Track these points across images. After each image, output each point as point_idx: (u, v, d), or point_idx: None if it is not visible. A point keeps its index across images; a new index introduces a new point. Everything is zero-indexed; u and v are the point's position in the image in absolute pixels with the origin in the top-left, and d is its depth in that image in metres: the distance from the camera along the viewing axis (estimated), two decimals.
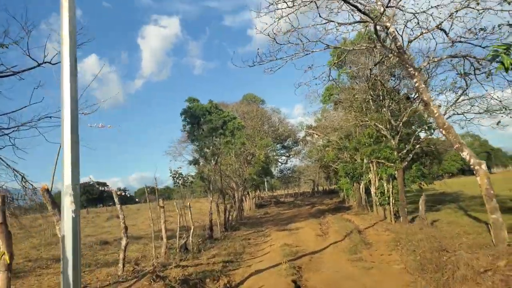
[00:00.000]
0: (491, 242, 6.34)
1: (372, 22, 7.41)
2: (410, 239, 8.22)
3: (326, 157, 25.58)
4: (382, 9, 7.51)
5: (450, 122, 12.23)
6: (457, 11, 7.61)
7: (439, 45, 8.62)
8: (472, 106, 12.46)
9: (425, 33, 8.16)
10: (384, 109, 14.81)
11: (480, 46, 7.81)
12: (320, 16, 7.92)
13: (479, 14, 7.48)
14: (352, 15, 8.23)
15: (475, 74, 8.74)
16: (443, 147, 18.53)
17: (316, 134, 30.30)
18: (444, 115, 13.54)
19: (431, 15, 7.96)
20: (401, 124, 14.32)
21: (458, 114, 12.72)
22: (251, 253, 9.43)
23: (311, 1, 7.58)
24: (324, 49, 8.67)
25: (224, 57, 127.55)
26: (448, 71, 11.68)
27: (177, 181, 18.20)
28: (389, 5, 7.50)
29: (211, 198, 14.00)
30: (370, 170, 17.82)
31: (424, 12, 7.94)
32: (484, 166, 6.68)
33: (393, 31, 8.08)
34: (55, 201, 5.06)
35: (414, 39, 8.33)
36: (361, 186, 20.44)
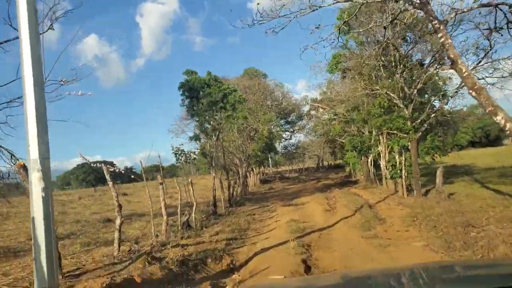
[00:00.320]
0: None
1: None
2: (428, 213, 7.62)
3: (332, 131, 24.81)
4: None
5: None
6: None
7: None
8: (495, 69, 11.40)
9: None
10: (397, 75, 13.73)
11: None
12: None
13: None
14: None
15: (508, 28, 7.62)
16: (459, 116, 17.51)
17: (322, 108, 29.28)
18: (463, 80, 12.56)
19: None
20: (415, 92, 13.30)
21: (478, 79, 11.65)
22: (256, 229, 8.98)
23: None
24: (334, 3, 7.58)
25: (224, 33, 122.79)
26: (470, 31, 10.55)
27: (180, 158, 17.73)
28: None
29: (213, 174, 13.49)
30: (379, 142, 17.10)
31: None
32: None
33: None
34: None
35: None
36: (369, 160, 19.84)
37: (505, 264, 1.99)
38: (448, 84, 17.62)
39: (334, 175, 34.11)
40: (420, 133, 12.81)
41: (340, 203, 12.45)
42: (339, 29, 8.97)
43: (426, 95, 17.93)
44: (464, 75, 6.99)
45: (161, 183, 8.05)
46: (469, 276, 1.45)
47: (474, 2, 7.51)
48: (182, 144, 23.05)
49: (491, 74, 11.57)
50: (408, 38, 15.43)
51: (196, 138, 14.66)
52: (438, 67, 13.12)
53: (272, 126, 29.11)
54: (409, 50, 15.02)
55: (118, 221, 5.84)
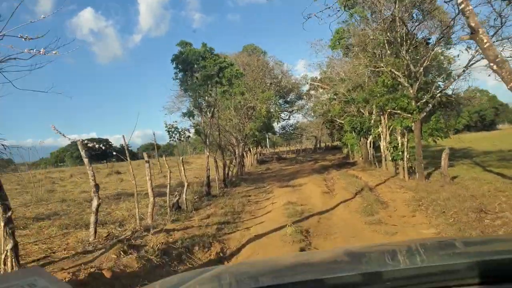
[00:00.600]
0: None
1: None
2: (434, 198, 7.12)
3: (331, 111, 24.10)
4: None
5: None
6: None
7: None
8: (503, 48, 10.65)
9: None
10: (403, 52, 12.84)
11: None
12: None
13: None
14: None
15: None
16: (464, 98, 16.82)
17: (321, 87, 28.32)
18: (472, 59, 11.79)
19: None
20: (421, 70, 12.50)
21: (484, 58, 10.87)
22: (251, 212, 8.49)
23: None
24: None
25: (223, 10, 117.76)
26: (481, 6, 9.72)
27: (173, 135, 16.98)
28: None
29: (207, 153, 12.85)
30: (380, 123, 16.47)
31: None
32: None
33: None
34: None
35: None
36: (368, 141, 19.32)
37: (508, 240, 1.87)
38: (453, 64, 16.90)
39: (332, 156, 33.74)
40: (424, 113, 12.17)
41: (338, 185, 11.98)
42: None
43: (430, 75, 17.14)
44: (486, 46, 6.19)
45: (147, 161, 7.40)
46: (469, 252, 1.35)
47: None
48: (176, 122, 22.22)
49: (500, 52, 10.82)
50: (415, 15, 14.49)
51: (190, 114, 13.81)
52: (445, 45, 12.31)
53: (270, 105, 28.28)
54: (416, 27, 14.06)
55: (94, 203, 5.24)
